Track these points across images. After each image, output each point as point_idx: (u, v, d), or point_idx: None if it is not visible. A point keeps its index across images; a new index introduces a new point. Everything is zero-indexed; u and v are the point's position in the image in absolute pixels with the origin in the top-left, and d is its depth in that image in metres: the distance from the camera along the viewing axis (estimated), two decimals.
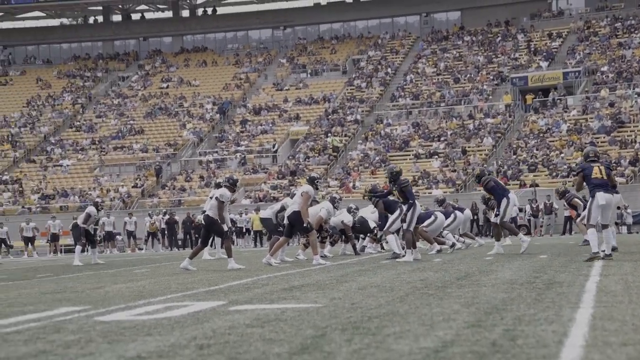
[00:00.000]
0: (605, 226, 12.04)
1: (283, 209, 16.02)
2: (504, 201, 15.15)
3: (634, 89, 44.88)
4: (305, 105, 53.21)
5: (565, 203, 21.99)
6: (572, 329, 4.74)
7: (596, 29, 52.31)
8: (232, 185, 14.53)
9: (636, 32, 50.51)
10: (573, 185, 33.99)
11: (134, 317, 6.13)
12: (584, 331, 4.66)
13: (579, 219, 20.21)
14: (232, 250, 14.28)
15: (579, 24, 53.18)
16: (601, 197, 11.92)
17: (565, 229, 33.33)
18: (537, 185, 37.40)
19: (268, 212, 17.29)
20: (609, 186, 12.15)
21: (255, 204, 38.86)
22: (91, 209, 20.70)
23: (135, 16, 67.70)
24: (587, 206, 12.21)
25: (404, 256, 14.29)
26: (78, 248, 20.92)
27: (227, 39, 64.34)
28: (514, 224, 34.66)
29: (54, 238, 36.06)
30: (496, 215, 15.39)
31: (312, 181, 14.99)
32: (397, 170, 14.94)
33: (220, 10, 66.12)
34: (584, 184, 12.23)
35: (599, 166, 12.20)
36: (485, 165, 41.57)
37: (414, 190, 34.13)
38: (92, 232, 21.10)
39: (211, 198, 14.83)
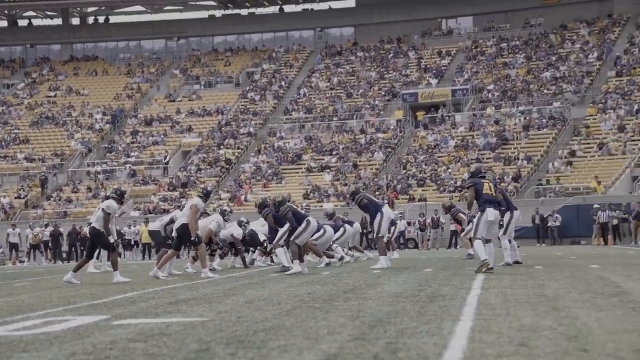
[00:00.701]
0: (488, 241, 12.36)
1: (172, 221, 15.82)
2: (378, 216, 15.24)
3: (517, 107, 46.51)
4: (198, 117, 52.84)
5: (451, 217, 22.52)
6: (451, 342, 4.85)
7: (483, 48, 54.01)
8: (119, 196, 14.29)
9: (520, 52, 52.41)
10: (460, 200, 34.96)
11: (10, 333, 5.91)
12: (462, 343, 4.77)
13: (463, 234, 20.74)
14: (118, 263, 14.02)
15: (467, 43, 54.80)
16: (491, 213, 12.26)
17: (450, 243, 34.14)
18: (425, 200, 38.22)
19: (157, 224, 17.03)
20: (497, 203, 12.55)
21: (144, 216, 38.28)
22: None
23: (22, 22, 65.67)
24: (476, 220, 12.42)
25: (292, 269, 14.34)
26: None
27: (119, 48, 63.25)
28: (402, 237, 35.44)
29: None
30: (370, 232, 15.54)
31: (207, 194, 14.91)
32: (279, 200, 15.16)
33: (113, 19, 64.96)
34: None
35: (488, 183, 12.57)
36: (377, 179, 42.23)
37: (306, 203, 34.00)
38: None
39: (98, 209, 14.52)
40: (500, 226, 14.82)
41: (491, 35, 54.94)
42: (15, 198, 45.51)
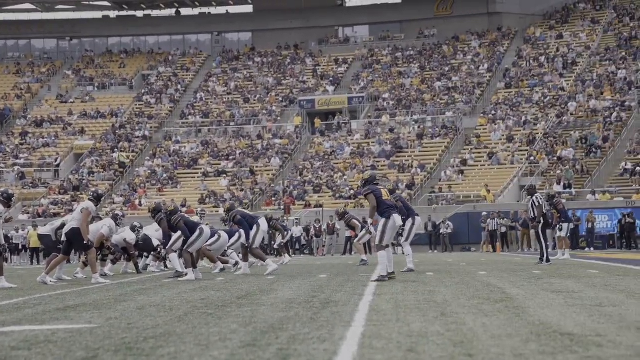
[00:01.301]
0: (387, 246, 12.39)
1: (63, 225, 15.42)
2: (254, 229, 15.18)
3: (412, 116, 47.43)
4: (91, 119, 51.72)
5: (345, 224, 22.71)
6: (342, 347, 4.90)
7: (379, 57, 54.82)
8: (6, 200, 13.81)
9: (414, 62, 53.46)
10: (355, 207, 35.34)
11: None
12: (353, 349, 4.82)
13: (356, 240, 20.97)
14: (3, 268, 13.55)
15: (363, 52, 55.52)
16: (398, 219, 12.18)
17: (345, 249, 34.45)
18: (321, 206, 38.48)
19: (47, 228, 16.58)
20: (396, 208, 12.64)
21: (33, 220, 37.19)
22: None
23: None
24: (381, 227, 12.02)
25: (186, 275, 14.21)
26: None
27: (8, 47, 61.24)
28: (299, 243, 35.58)
29: None
30: (245, 244, 15.29)
31: (97, 198, 14.64)
32: (171, 210, 15.24)
33: (0, 17, 62.75)
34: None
35: (384, 189, 12.66)
36: (273, 185, 42.22)
37: (202, 208, 33.63)
38: None
39: None
40: (399, 234, 15.02)
41: (387, 45, 55.83)
42: None
